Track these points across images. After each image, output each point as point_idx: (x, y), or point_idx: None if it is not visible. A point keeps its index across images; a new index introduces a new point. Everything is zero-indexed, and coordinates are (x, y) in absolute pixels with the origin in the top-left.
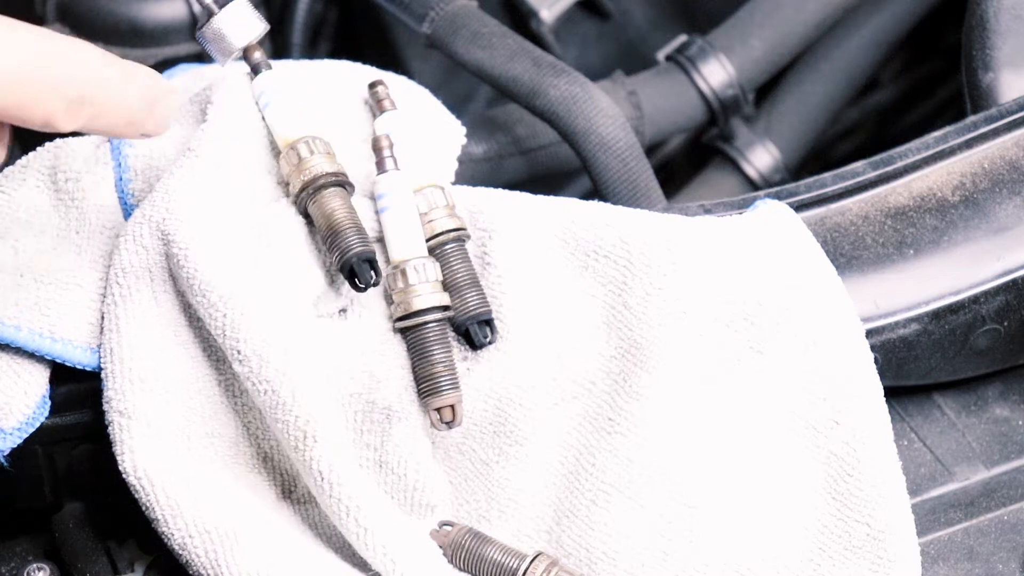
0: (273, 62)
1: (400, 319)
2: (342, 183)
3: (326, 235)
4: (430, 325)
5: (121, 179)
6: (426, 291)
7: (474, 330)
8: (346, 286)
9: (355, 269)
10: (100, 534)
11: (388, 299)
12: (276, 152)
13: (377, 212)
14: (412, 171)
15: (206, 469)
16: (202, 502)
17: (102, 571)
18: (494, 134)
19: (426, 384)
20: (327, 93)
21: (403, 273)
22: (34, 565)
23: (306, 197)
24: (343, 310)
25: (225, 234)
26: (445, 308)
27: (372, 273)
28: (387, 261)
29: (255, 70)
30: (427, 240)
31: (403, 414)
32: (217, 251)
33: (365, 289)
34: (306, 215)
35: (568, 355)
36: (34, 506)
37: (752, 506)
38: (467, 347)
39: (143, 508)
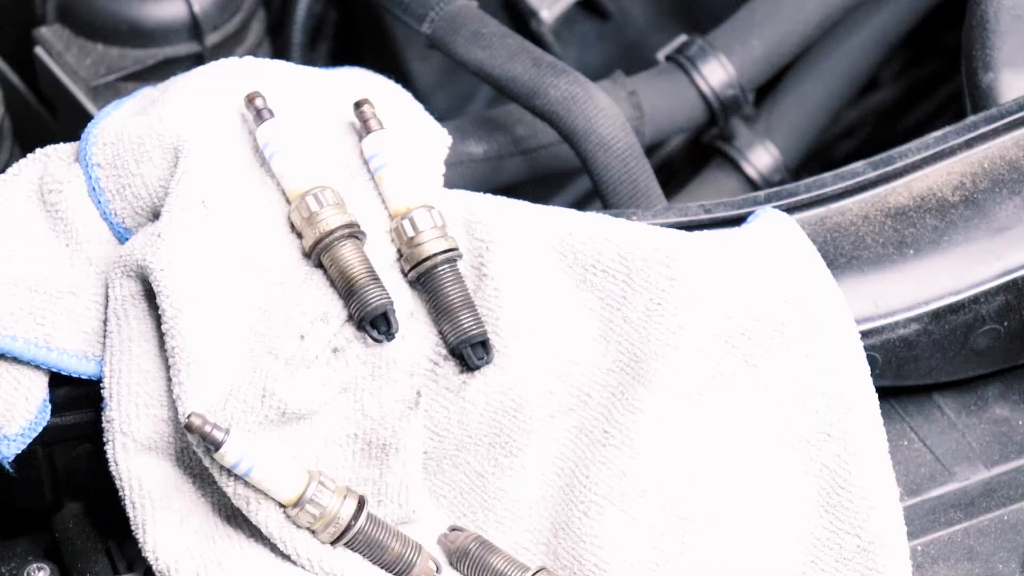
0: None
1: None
2: (355, 234)
3: (343, 289)
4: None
5: (100, 202)
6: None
7: (468, 353)
8: (343, 329)
9: (374, 322)
10: (100, 534)
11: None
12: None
13: None
14: (400, 193)
15: (204, 487)
16: (193, 516)
17: (102, 571)
18: (494, 134)
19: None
20: (313, 116)
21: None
22: (34, 565)
23: (321, 251)
24: (336, 350)
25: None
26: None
27: (387, 325)
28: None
29: (259, 116)
30: (417, 264)
31: (399, 446)
32: (201, 298)
33: (382, 341)
34: (319, 265)
35: (564, 368)
36: (34, 506)
37: (745, 518)
38: (462, 365)
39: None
